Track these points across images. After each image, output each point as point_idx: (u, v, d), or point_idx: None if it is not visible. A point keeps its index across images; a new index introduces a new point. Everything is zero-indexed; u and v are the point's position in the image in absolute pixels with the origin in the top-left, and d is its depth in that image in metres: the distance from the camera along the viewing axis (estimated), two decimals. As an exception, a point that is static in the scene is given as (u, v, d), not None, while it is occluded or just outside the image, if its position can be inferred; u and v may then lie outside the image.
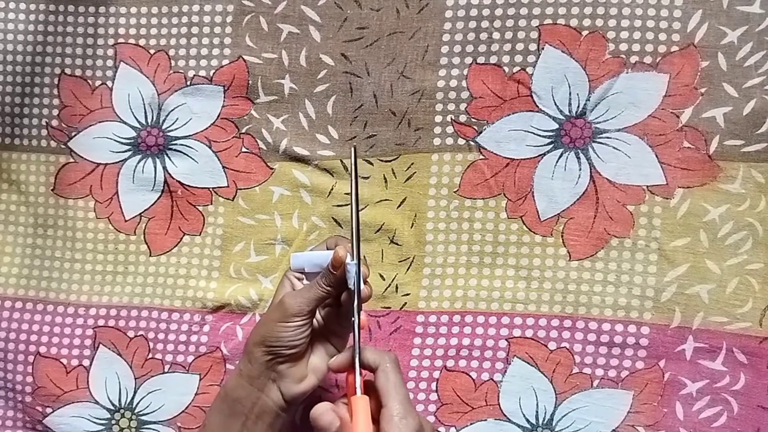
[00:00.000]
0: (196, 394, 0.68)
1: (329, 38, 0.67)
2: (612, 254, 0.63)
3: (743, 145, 0.60)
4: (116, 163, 0.70)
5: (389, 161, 0.66)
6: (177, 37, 0.69)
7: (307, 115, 0.67)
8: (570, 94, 0.63)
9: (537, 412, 0.64)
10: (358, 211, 0.54)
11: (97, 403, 0.69)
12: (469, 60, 0.64)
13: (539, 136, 0.64)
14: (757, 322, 0.60)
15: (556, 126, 0.63)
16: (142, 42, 0.69)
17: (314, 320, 0.54)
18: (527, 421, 0.64)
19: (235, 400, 0.53)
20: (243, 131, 0.68)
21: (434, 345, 0.65)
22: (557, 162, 0.63)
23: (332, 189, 0.67)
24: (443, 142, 0.65)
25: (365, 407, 0.48)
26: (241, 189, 0.68)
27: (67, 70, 0.70)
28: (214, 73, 0.68)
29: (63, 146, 0.70)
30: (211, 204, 0.69)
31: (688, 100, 0.61)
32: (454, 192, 0.65)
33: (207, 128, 0.68)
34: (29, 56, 0.71)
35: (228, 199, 0.68)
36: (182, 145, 0.69)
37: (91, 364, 0.69)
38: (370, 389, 0.49)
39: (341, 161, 0.67)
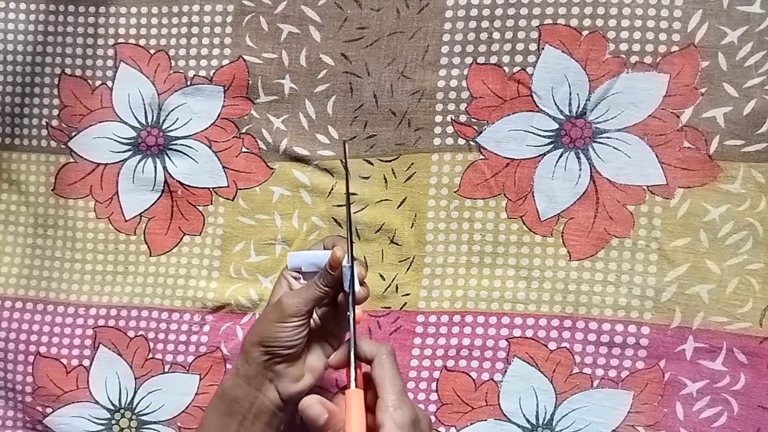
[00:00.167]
0: (196, 394, 0.68)
1: (329, 38, 0.67)
2: (612, 254, 0.63)
3: (743, 145, 0.60)
4: (116, 163, 0.70)
5: (389, 161, 0.66)
6: (177, 37, 0.69)
7: (307, 115, 0.67)
8: (570, 94, 0.63)
9: (537, 412, 0.64)
10: (349, 204, 0.55)
11: (97, 403, 0.69)
12: (469, 60, 0.64)
13: (539, 136, 0.64)
14: (757, 322, 0.60)
15: (557, 126, 0.63)
16: (142, 42, 0.69)
17: (311, 320, 0.54)
18: (527, 421, 0.64)
19: (232, 399, 0.53)
20: (243, 131, 0.68)
21: (434, 345, 0.65)
22: (557, 162, 0.63)
23: (332, 189, 0.67)
24: (443, 142, 0.65)
25: (359, 401, 0.48)
26: (241, 189, 0.68)
27: (68, 70, 0.70)
28: (214, 73, 0.68)
29: (63, 146, 0.70)
30: (211, 204, 0.69)
31: (688, 100, 0.61)
32: (455, 192, 0.65)
33: (207, 128, 0.68)
34: (29, 56, 0.71)
35: (228, 199, 0.68)
36: (182, 145, 0.69)
37: (91, 364, 0.69)
38: (369, 381, 0.49)
39: (341, 161, 0.67)
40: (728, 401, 0.61)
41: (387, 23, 0.66)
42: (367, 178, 0.67)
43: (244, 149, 0.68)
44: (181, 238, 0.69)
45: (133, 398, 0.68)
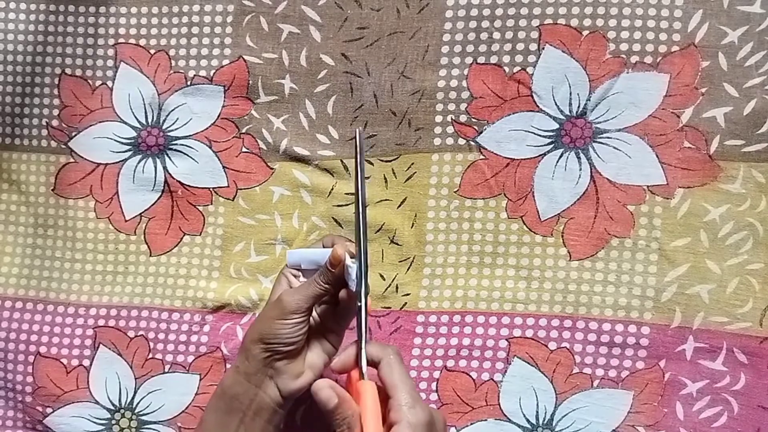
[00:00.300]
0: (196, 394, 0.68)
1: (329, 38, 0.67)
2: (612, 254, 0.63)
3: (744, 145, 0.60)
4: (116, 163, 0.70)
5: (389, 161, 0.66)
6: (177, 37, 0.69)
7: (307, 115, 0.67)
8: (570, 94, 0.63)
9: (537, 412, 0.64)
10: (362, 193, 0.54)
11: (97, 403, 0.69)
12: (469, 60, 0.64)
13: (540, 136, 0.64)
14: (757, 322, 0.60)
15: (557, 126, 0.63)
16: (142, 42, 0.69)
17: (311, 318, 0.55)
18: (527, 421, 0.64)
19: (232, 397, 0.53)
20: (243, 131, 0.68)
21: (434, 345, 0.65)
22: (557, 162, 0.63)
23: (332, 189, 0.67)
24: (443, 142, 0.65)
25: (373, 392, 0.48)
26: (241, 189, 0.68)
27: (68, 70, 0.70)
28: (214, 73, 0.68)
29: (63, 146, 0.70)
30: (212, 204, 0.69)
31: (688, 100, 0.61)
32: (455, 192, 0.65)
33: (207, 128, 0.68)
34: (29, 56, 0.71)
35: (228, 199, 0.68)
36: (182, 145, 0.68)
37: (91, 364, 0.69)
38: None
39: (341, 161, 0.67)
40: (728, 401, 0.61)
41: (387, 23, 0.66)
42: (368, 178, 0.67)
43: (244, 149, 0.68)
44: (181, 238, 0.69)
45: (133, 398, 0.68)
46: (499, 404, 0.64)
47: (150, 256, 0.69)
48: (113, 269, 0.70)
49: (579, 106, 0.63)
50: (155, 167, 0.69)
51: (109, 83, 0.70)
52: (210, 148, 0.68)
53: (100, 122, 0.70)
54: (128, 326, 0.69)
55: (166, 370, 0.68)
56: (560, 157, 0.63)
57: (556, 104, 0.63)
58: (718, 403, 0.61)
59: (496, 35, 0.64)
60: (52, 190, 0.71)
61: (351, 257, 0.53)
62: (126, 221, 0.70)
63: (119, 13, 0.70)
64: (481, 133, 0.65)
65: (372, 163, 0.67)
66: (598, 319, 0.63)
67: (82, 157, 0.70)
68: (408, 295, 0.66)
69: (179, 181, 0.68)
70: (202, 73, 0.68)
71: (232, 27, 0.68)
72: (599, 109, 0.62)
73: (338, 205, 0.67)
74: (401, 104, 0.66)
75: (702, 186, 0.61)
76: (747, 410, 0.60)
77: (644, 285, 0.62)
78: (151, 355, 0.68)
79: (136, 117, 0.69)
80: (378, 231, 0.66)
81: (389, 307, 0.66)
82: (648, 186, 0.62)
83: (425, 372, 0.65)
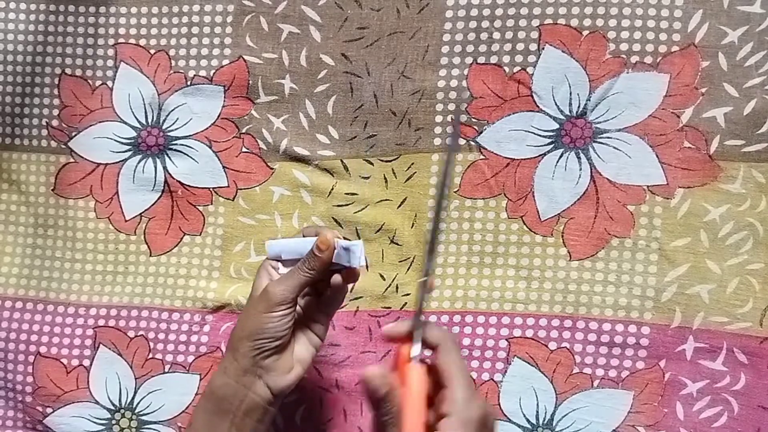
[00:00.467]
0: (196, 394, 0.68)
1: (329, 38, 0.67)
2: (612, 254, 0.63)
3: (744, 145, 0.60)
4: (116, 163, 0.70)
5: (390, 161, 0.66)
6: (177, 37, 0.69)
7: (307, 115, 0.67)
8: (570, 94, 0.63)
9: (537, 412, 0.64)
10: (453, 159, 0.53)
11: (97, 403, 0.69)
12: (469, 60, 0.64)
13: (540, 136, 0.64)
14: (757, 322, 0.60)
15: (557, 126, 0.63)
16: (142, 42, 0.69)
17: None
18: (527, 421, 0.64)
19: (221, 398, 0.53)
20: (243, 131, 0.68)
21: (434, 345, 0.65)
22: (558, 162, 0.63)
23: (332, 189, 0.67)
24: (444, 142, 0.65)
25: (421, 378, 0.45)
26: (241, 189, 0.68)
27: (68, 70, 0.70)
28: (214, 73, 0.68)
29: (63, 146, 0.70)
30: (212, 204, 0.69)
31: (688, 100, 0.61)
32: (455, 192, 0.65)
33: (207, 128, 0.68)
34: (29, 56, 0.71)
35: (228, 199, 0.68)
36: (182, 145, 0.68)
37: (91, 364, 0.69)
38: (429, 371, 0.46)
39: (341, 161, 0.67)
40: (728, 401, 0.61)
41: (387, 23, 0.66)
42: (368, 178, 0.67)
43: (244, 149, 0.68)
44: (182, 238, 0.69)
45: (133, 398, 0.68)
46: (499, 404, 0.64)
47: (150, 256, 0.69)
48: (113, 269, 0.70)
49: (579, 106, 0.63)
50: (155, 167, 0.69)
51: (109, 83, 0.70)
52: (210, 148, 0.68)
53: (100, 122, 0.70)
54: (128, 326, 0.69)
55: (166, 370, 0.68)
56: (560, 157, 0.63)
57: (556, 104, 0.63)
58: (718, 403, 0.61)
59: (496, 35, 0.64)
60: (52, 190, 0.71)
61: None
62: (126, 221, 0.70)
63: (119, 13, 0.70)
64: (481, 133, 0.65)
65: (372, 163, 0.67)
66: (598, 319, 0.62)
67: (82, 157, 0.70)
68: (408, 295, 0.66)
69: (179, 181, 0.68)
70: (202, 73, 0.68)
71: (232, 27, 0.68)
72: (599, 109, 0.62)
73: (338, 205, 0.67)
74: (401, 104, 0.66)
75: (702, 186, 0.61)
76: (747, 410, 0.60)
77: (644, 285, 0.62)
78: (151, 355, 0.68)
79: (136, 117, 0.69)
80: (378, 231, 0.66)
81: (389, 307, 0.66)
82: (648, 186, 0.62)
83: (425, 372, 0.65)
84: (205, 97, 0.68)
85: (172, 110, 0.69)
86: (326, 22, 0.67)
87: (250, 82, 0.68)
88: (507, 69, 0.64)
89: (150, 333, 0.68)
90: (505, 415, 0.64)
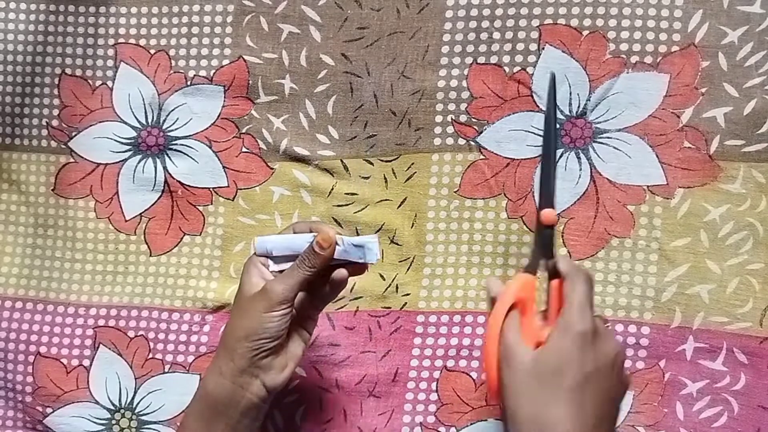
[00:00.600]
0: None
1: (329, 38, 0.67)
2: (612, 254, 0.63)
3: (744, 145, 0.60)
4: (116, 163, 0.70)
5: (389, 161, 0.66)
6: (177, 37, 0.69)
7: (307, 115, 0.67)
8: (570, 94, 0.63)
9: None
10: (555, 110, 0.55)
11: (97, 403, 0.69)
12: (469, 60, 0.64)
13: (540, 136, 0.64)
14: (757, 322, 0.60)
15: (557, 126, 0.63)
16: (142, 42, 0.69)
17: None
18: (527, 421, 0.64)
19: (216, 400, 0.52)
20: (243, 131, 0.68)
21: (434, 345, 0.65)
22: (557, 162, 0.63)
23: (332, 189, 0.67)
24: (443, 142, 0.65)
25: (523, 283, 0.49)
26: (241, 189, 0.68)
27: (68, 70, 0.70)
28: (214, 73, 0.68)
29: (63, 146, 0.70)
30: (212, 204, 0.69)
31: (688, 100, 0.61)
32: (455, 192, 0.65)
33: (207, 128, 0.68)
34: (29, 56, 0.71)
35: (228, 199, 0.68)
36: (182, 145, 0.68)
37: (91, 364, 0.69)
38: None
39: (341, 161, 0.67)
40: (728, 401, 0.61)
41: (387, 23, 0.66)
42: (367, 178, 0.67)
43: (244, 149, 0.68)
44: (182, 238, 0.69)
45: (133, 398, 0.68)
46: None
47: (150, 256, 0.69)
48: (113, 269, 0.70)
49: (579, 106, 0.63)
50: (155, 167, 0.69)
51: (109, 83, 0.70)
52: (210, 148, 0.68)
53: (100, 122, 0.70)
54: (128, 326, 0.69)
55: (166, 370, 0.68)
56: (560, 157, 0.63)
57: (556, 104, 0.63)
58: (718, 403, 0.61)
59: (496, 35, 0.64)
60: (52, 190, 0.71)
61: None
62: (126, 221, 0.70)
63: (119, 13, 0.70)
64: (481, 133, 0.65)
65: (372, 163, 0.67)
66: (598, 319, 0.62)
67: (82, 157, 0.70)
68: (408, 295, 0.66)
69: (179, 181, 0.68)
70: (202, 73, 0.68)
71: (232, 27, 0.68)
72: (599, 109, 0.62)
73: (338, 205, 0.67)
74: (401, 104, 0.66)
75: (702, 186, 0.61)
76: (747, 410, 0.60)
77: (644, 285, 0.62)
78: (151, 355, 0.68)
79: (136, 117, 0.69)
80: (378, 231, 0.66)
81: (389, 307, 0.66)
82: (648, 186, 0.62)
83: (425, 372, 0.65)
84: (205, 97, 0.68)
85: (172, 110, 0.69)
86: (326, 22, 0.67)
87: (250, 82, 0.68)
88: (507, 69, 0.64)
89: (150, 333, 0.68)
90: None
